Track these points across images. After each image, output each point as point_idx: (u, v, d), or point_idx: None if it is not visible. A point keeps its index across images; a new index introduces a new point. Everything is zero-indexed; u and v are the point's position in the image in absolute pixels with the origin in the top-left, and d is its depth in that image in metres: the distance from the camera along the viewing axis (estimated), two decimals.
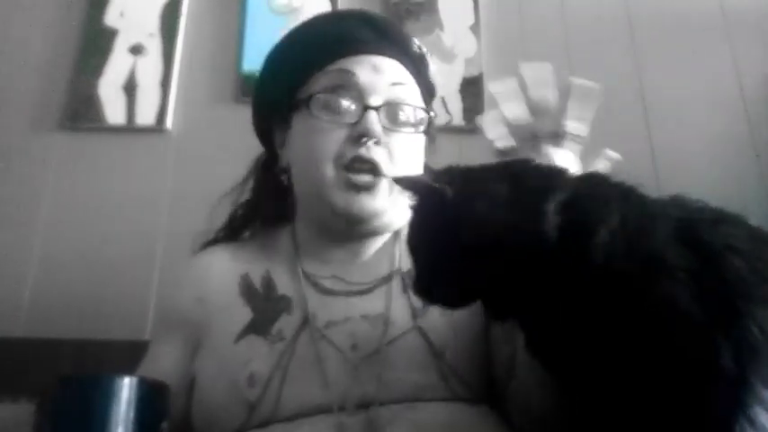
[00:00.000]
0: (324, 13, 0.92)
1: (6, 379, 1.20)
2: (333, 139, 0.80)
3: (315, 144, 0.81)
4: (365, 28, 0.86)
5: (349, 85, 0.81)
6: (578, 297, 0.52)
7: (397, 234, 0.86)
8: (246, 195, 0.95)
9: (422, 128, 0.84)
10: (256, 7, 1.68)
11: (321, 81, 0.83)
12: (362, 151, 0.78)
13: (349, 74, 0.81)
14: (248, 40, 1.64)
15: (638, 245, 0.52)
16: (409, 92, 0.84)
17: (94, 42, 1.64)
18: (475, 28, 1.68)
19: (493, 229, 0.54)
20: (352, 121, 0.80)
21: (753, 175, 1.53)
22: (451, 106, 1.59)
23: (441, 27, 1.68)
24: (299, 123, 0.84)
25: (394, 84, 0.82)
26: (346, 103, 0.81)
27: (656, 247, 0.52)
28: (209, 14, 1.69)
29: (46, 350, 1.29)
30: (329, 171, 0.79)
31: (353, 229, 0.82)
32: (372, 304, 0.78)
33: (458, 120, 1.58)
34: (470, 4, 1.71)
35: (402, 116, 0.82)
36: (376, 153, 0.79)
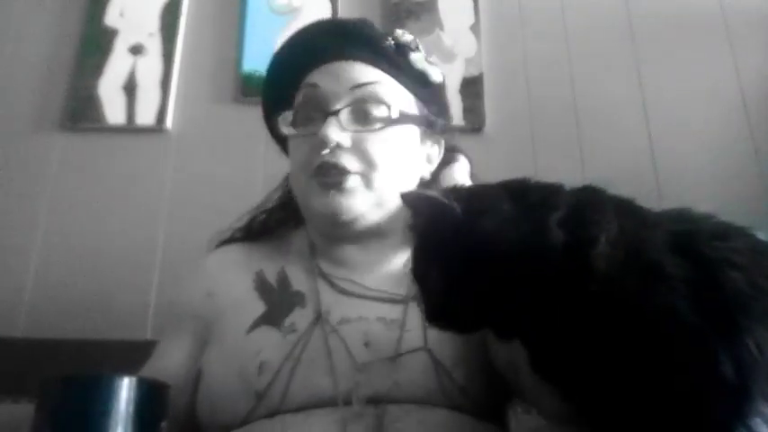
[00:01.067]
0: (293, 33, 0.92)
1: (6, 379, 1.20)
2: (303, 150, 0.82)
3: (293, 158, 0.85)
4: (325, 36, 0.87)
5: (316, 97, 0.83)
6: (581, 307, 0.53)
7: None
8: (270, 203, 0.97)
9: (392, 123, 0.82)
10: (256, 7, 1.68)
11: (296, 99, 0.85)
12: (327, 157, 0.79)
13: (313, 86, 0.83)
14: (248, 40, 1.64)
15: (636, 255, 0.53)
16: (379, 89, 0.83)
17: (94, 42, 1.64)
18: (475, 28, 1.68)
19: (502, 245, 0.54)
20: (317, 131, 0.80)
21: (753, 175, 1.53)
22: (452, 106, 1.58)
23: (441, 27, 1.68)
24: (289, 145, 0.88)
25: (355, 86, 0.82)
26: (314, 114, 0.82)
27: (654, 258, 0.52)
28: (209, 14, 1.69)
29: (46, 350, 1.29)
30: (303, 181, 0.82)
31: (346, 231, 0.83)
32: (387, 311, 0.78)
33: (458, 120, 1.57)
34: (470, 4, 1.71)
35: (371, 115, 0.81)
36: (342, 157, 0.79)
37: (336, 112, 0.80)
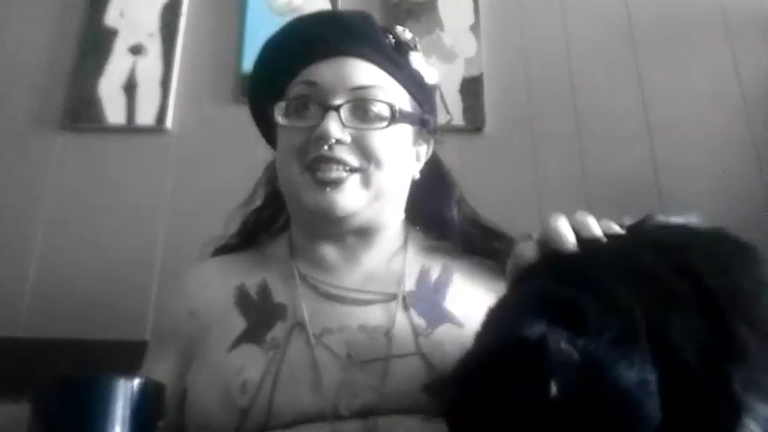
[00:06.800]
0: (293, 20, 0.91)
1: (6, 379, 1.20)
2: (298, 142, 0.81)
3: (284, 148, 0.83)
4: (329, 30, 0.86)
5: (314, 93, 0.81)
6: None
7: (403, 251, 0.86)
8: (258, 202, 0.96)
9: (393, 122, 0.82)
10: (256, 7, 1.68)
11: (292, 91, 0.84)
12: (324, 151, 0.78)
13: (312, 83, 0.82)
14: (248, 40, 1.64)
15: None
16: (379, 92, 0.83)
17: (94, 42, 1.64)
18: (475, 28, 1.68)
19: None
20: (315, 124, 0.80)
21: (753, 175, 1.53)
22: (452, 106, 1.59)
23: (441, 27, 1.68)
24: (278, 135, 0.86)
25: (356, 87, 0.81)
26: (311, 108, 0.81)
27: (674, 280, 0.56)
28: (209, 14, 1.69)
29: (46, 350, 1.29)
30: (296, 172, 0.81)
31: (336, 228, 0.82)
32: (370, 316, 0.77)
33: (458, 120, 1.58)
34: (470, 4, 1.70)
35: (371, 112, 0.81)
36: (341, 152, 0.79)
37: (337, 108, 0.79)
